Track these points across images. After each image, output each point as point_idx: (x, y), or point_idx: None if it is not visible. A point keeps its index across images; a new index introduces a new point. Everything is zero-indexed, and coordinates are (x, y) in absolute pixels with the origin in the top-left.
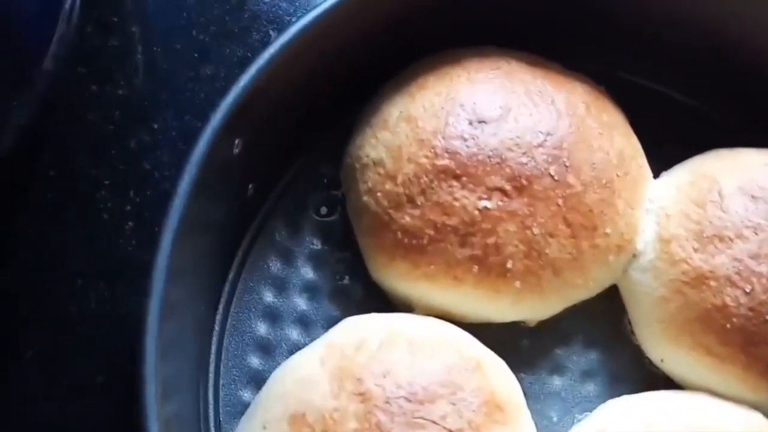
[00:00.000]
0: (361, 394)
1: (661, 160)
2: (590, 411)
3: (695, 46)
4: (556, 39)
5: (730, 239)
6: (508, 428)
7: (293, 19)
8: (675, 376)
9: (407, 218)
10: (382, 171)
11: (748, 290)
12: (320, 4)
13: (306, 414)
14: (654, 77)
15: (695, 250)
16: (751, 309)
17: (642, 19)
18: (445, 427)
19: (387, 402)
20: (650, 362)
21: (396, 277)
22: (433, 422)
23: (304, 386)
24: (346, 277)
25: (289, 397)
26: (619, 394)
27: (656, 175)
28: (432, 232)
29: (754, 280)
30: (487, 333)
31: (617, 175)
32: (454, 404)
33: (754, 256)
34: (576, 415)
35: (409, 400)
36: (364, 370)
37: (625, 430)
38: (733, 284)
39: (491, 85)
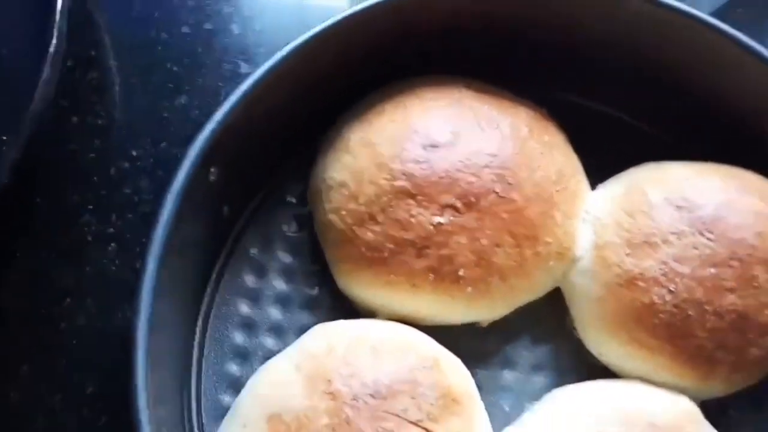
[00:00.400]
0: (330, 394)
1: (597, 174)
2: (538, 401)
3: (627, 68)
4: (502, 66)
5: (657, 245)
6: (463, 418)
7: (262, 50)
8: (612, 366)
9: (369, 234)
10: (345, 192)
11: (672, 289)
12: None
13: (282, 414)
14: (592, 97)
15: (627, 255)
16: (675, 306)
17: (577, 46)
18: (406, 419)
19: (354, 399)
20: (591, 355)
21: (360, 287)
22: (396, 415)
23: (280, 389)
24: (316, 288)
25: (266, 398)
26: (564, 385)
27: (593, 187)
28: (392, 246)
29: (678, 280)
30: (445, 334)
31: (556, 191)
32: (414, 398)
33: (678, 259)
34: (526, 405)
35: (374, 397)
36: (333, 372)
37: (567, 414)
38: (659, 284)
39: (443, 112)
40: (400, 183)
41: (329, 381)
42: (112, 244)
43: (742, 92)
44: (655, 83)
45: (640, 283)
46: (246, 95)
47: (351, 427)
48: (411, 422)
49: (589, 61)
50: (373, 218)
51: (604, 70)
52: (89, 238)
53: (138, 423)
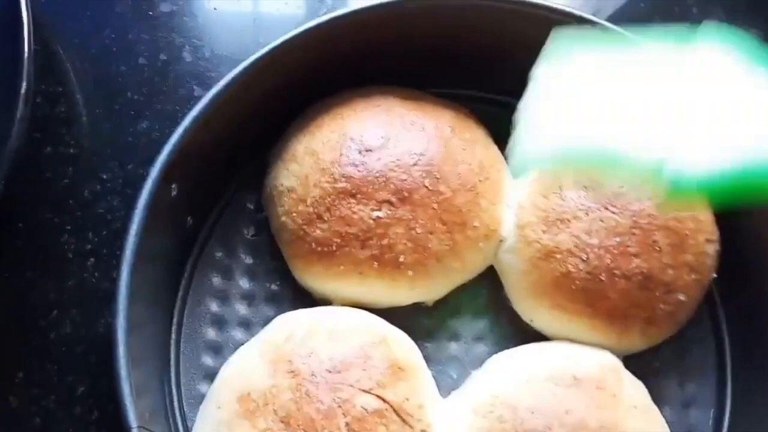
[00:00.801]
0: (291, 372)
1: None
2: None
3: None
4: (427, 74)
5: (569, 221)
6: (410, 384)
7: (213, 74)
8: (543, 331)
9: (318, 231)
10: (294, 196)
11: (584, 258)
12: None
13: (250, 393)
14: (509, 94)
15: (543, 232)
16: (588, 273)
17: (493, 52)
18: (359, 388)
19: (313, 375)
20: (524, 323)
21: (315, 279)
22: (350, 385)
23: (247, 373)
24: (277, 283)
25: (235, 382)
26: (503, 351)
27: (515, 177)
28: (338, 240)
29: (588, 250)
30: (395, 315)
31: (479, 181)
32: (365, 370)
33: (588, 232)
34: (470, 372)
35: (330, 372)
36: (293, 354)
37: (503, 374)
38: (573, 255)
39: (374, 120)
40: (341, 184)
41: (290, 362)
42: (91, 259)
43: None
44: None
45: (557, 256)
46: (196, 119)
47: (311, 398)
48: (363, 390)
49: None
50: (320, 217)
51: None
52: (70, 255)
53: (124, 410)
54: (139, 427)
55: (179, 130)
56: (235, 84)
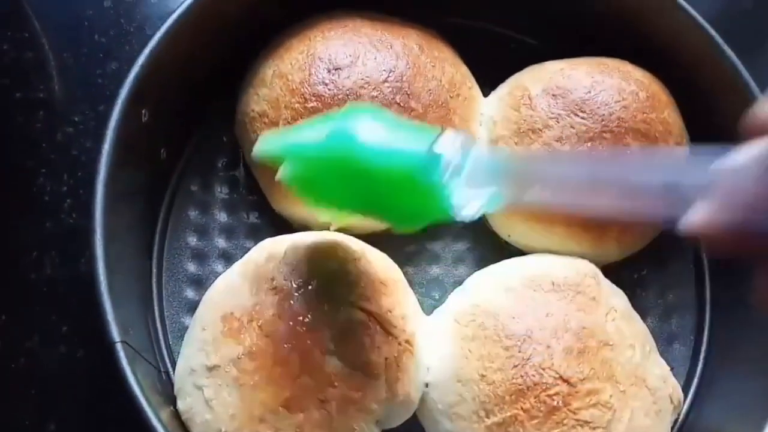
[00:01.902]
0: (274, 289)
1: (490, 83)
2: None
3: None
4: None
5: (540, 130)
6: (392, 297)
7: None
8: (521, 246)
9: None
10: (266, 120)
11: None
12: None
13: (233, 312)
14: (477, 17)
15: (516, 144)
16: None
17: None
18: (341, 302)
19: (295, 290)
20: (503, 242)
21: (292, 205)
22: (333, 299)
23: (229, 294)
24: (255, 215)
25: (218, 304)
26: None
27: (486, 95)
28: None
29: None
30: (376, 242)
31: (450, 97)
32: (347, 285)
33: (558, 139)
34: (452, 291)
35: (312, 287)
36: (275, 272)
37: (482, 286)
38: None
39: (341, 40)
40: (312, 104)
41: (272, 279)
42: (68, 200)
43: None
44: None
45: None
46: (162, 40)
47: (295, 313)
48: (346, 304)
49: None
50: None
51: None
52: (46, 198)
53: (114, 347)
54: (122, 341)
55: (145, 52)
56: (197, 6)
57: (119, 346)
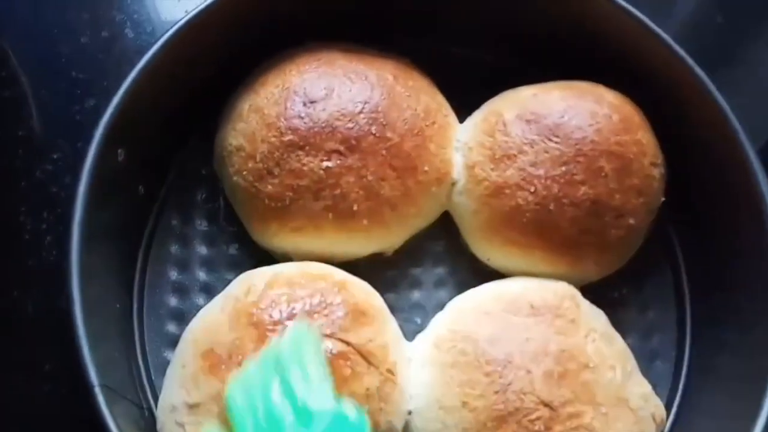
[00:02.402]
0: (253, 324)
1: (466, 109)
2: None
3: (481, 16)
4: (365, 28)
5: (515, 155)
6: (373, 327)
7: None
8: (501, 269)
9: (270, 187)
10: (243, 154)
11: (532, 191)
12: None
13: (214, 348)
14: (451, 42)
15: (492, 170)
16: (537, 204)
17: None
18: (322, 334)
19: (275, 324)
20: (483, 266)
21: (272, 237)
22: None
23: (209, 330)
24: (236, 247)
25: (199, 340)
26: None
27: (462, 121)
28: (291, 194)
29: (536, 182)
30: (356, 268)
31: (426, 125)
32: (326, 316)
33: (533, 164)
34: (434, 315)
35: (291, 320)
36: (254, 307)
37: (461, 311)
38: (521, 188)
39: (315, 73)
40: (288, 137)
41: (251, 314)
42: (48, 238)
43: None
44: (508, 25)
45: (506, 191)
46: (136, 80)
47: None
48: (326, 335)
49: (448, 12)
50: (270, 172)
51: (458, 14)
52: (27, 236)
53: (90, 387)
54: (101, 385)
55: (120, 92)
56: (171, 43)
57: (98, 390)
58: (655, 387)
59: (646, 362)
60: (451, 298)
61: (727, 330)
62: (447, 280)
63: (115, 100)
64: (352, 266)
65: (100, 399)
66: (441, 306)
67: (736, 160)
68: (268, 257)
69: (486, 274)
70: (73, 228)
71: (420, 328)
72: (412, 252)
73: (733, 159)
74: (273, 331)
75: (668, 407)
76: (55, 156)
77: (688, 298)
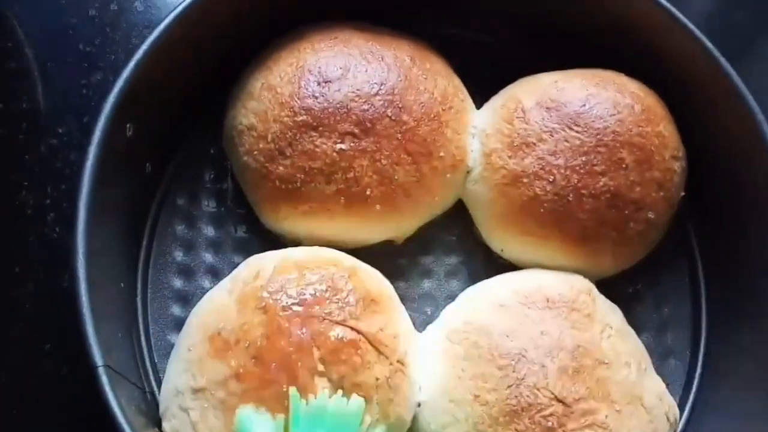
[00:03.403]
0: (262, 308)
1: (482, 95)
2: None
3: (503, 3)
4: (383, 9)
5: (534, 143)
6: (384, 315)
7: None
8: (515, 260)
9: (281, 168)
10: (254, 133)
11: (551, 180)
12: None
13: (221, 332)
14: (469, 28)
15: (509, 157)
16: (555, 194)
17: None
18: (331, 321)
19: (284, 309)
20: (496, 255)
21: (282, 220)
22: (322, 318)
23: (217, 313)
24: (244, 229)
25: (205, 323)
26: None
27: (479, 107)
28: (302, 176)
29: (555, 171)
30: (367, 256)
31: (443, 110)
32: (337, 303)
33: (552, 153)
34: (445, 306)
35: (301, 305)
36: (263, 291)
37: (475, 302)
38: (539, 178)
39: (331, 51)
40: (302, 117)
41: (260, 298)
42: (51, 214)
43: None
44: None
45: (524, 180)
46: (147, 54)
47: (283, 333)
48: (336, 322)
49: None
50: (282, 153)
51: (475, 2)
52: (29, 212)
53: (95, 368)
54: (104, 365)
55: (130, 65)
56: (183, 18)
57: (101, 371)
58: (668, 385)
59: (660, 359)
60: (462, 289)
61: (742, 329)
62: (459, 271)
63: (125, 72)
64: (362, 254)
65: (103, 379)
66: (452, 297)
67: (759, 157)
68: (276, 241)
69: (499, 265)
70: (79, 203)
71: (430, 319)
72: (423, 241)
73: (755, 155)
74: (282, 317)
75: (682, 405)
76: (60, 130)
77: (704, 295)
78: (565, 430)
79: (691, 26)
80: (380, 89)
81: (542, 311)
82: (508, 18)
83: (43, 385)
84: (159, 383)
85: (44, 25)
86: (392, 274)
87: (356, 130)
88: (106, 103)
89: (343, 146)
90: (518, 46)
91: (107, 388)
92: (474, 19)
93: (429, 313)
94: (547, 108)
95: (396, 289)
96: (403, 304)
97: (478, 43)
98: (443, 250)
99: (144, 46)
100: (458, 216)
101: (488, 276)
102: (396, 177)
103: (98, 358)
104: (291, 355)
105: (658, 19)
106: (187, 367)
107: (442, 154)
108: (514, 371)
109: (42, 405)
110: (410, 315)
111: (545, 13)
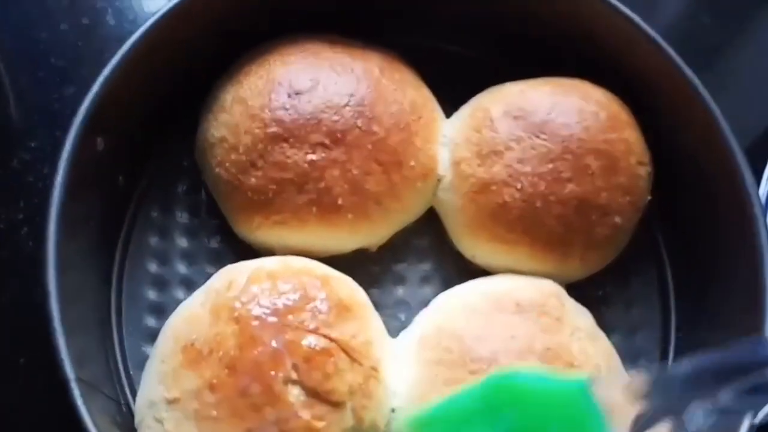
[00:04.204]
0: (234, 318)
1: (452, 104)
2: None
3: (470, 12)
4: (352, 21)
5: (502, 152)
6: (357, 322)
7: None
8: (486, 266)
9: (253, 179)
10: (226, 145)
11: (519, 187)
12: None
13: (194, 342)
14: (438, 38)
15: (478, 165)
16: (523, 201)
17: None
18: (303, 329)
19: (256, 319)
20: (468, 263)
21: (255, 230)
22: (295, 327)
23: (190, 324)
24: (217, 240)
25: (178, 334)
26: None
27: (448, 116)
28: (274, 187)
29: (522, 179)
30: (340, 263)
31: (412, 120)
32: (309, 311)
33: (520, 161)
34: (418, 312)
35: (274, 315)
36: (235, 301)
37: (446, 308)
38: (508, 185)
39: (301, 64)
40: (272, 129)
41: (232, 308)
42: (24, 229)
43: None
44: (493, 22)
45: (492, 187)
46: (117, 67)
47: (256, 342)
48: (309, 331)
49: (435, 8)
50: (253, 165)
51: (446, 11)
52: (2, 226)
53: (66, 381)
54: (77, 379)
55: (99, 79)
56: (153, 31)
57: (74, 385)
58: None
59: (630, 360)
60: (435, 295)
61: (710, 329)
62: (432, 277)
63: (95, 87)
64: (336, 262)
65: (76, 393)
66: (425, 303)
67: (723, 160)
68: (250, 251)
69: (471, 271)
70: (49, 217)
71: (404, 325)
72: (396, 248)
73: (719, 159)
74: (255, 327)
75: None
76: (32, 145)
77: (672, 297)
78: None
79: (651, 32)
80: (350, 100)
81: (513, 315)
82: (477, 28)
83: (17, 400)
84: (134, 395)
85: (16, 39)
86: (366, 281)
87: (327, 141)
88: (76, 117)
89: (314, 157)
90: (488, 56)
91: (80, 402)
92: (444, 29)
93: (403, 319)
94: (514, 117)
95: (370, 296)
96: (378, 311)
97: (448, 53)
98: (416, 257)
99: (113, 60)
100: (431, 223)
101: (461, 282)
102: (367, 186)
103: (70, 372)
104: (264, 364)
105: (623, 28)
106: (161, 378)
107: (412, 163)
108: (486, 375)
109: (16, 420)
110: (384, 321)
111: (514, 23)
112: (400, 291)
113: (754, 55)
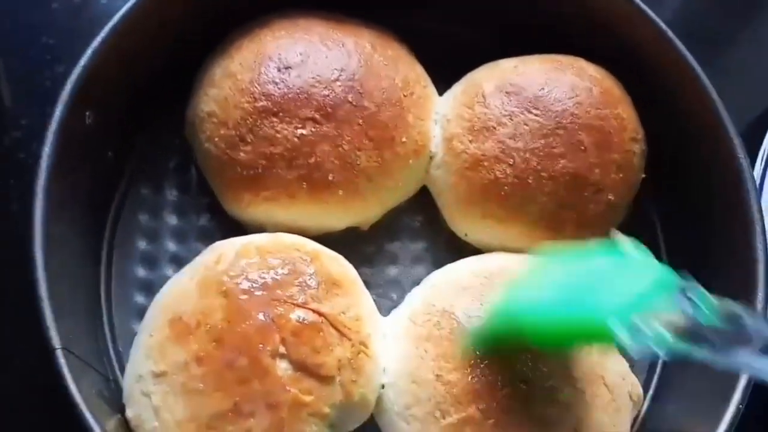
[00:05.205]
0: (223, 292)
1: (445, 82)
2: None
3: None
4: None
5: (494, 128)
6: (346, 298)
7: None
8: (479, 244)
9: (242, 154)
10: (215, 120)
11: (511, 163)
12: None
13: (182, 316)
14: (432, 16)
15: (470, 142)
16: (516, 177)
17: None
18: (292, 303)
19: (244, 293)
20: (461, 242)
21: (245, 207)
22: (283, 301)
23: (177, 298)
24: (207, 217)
25: (166, 308)
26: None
27: (441, 94)
28: (264, 162)
29: (515, 154)
30: (332, 243)
31: (404, 95)
32: (298, 285)
33: (512, 137)
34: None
35: (263, 289)
36: (224, 275)
37: (438, 285)
38: (500, 161)
39: (291, 38)
40: (262, 103)
41: (221, 282)
42: (15, 206)
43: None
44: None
45: (484, 163)
46: (105, 40)
47: (244, 316)
48: (297, 305)
49: None
50: (243, 139)
51: None
52: None
53: (57, 364)
54: (63, 348)
55: (88, 52)
56: (144, 5)
57: (59, 353)
58: (632, 366)
59: None
60: (428, 275)
61: None
62: (424, 256)
63: (84, 59)
64: (327, 241)
65: (62, 362)
66: (418, 282)
67: (720, 142)
68: (239, 229)
69: (464, 250)
70: (36, 191)
71: (396, 304)
72: (389, 227)
73: (716, 140)
74: (243, 300)
75: (646, 386)
76: (23, 122)
77: None
78: (527, 409)
79: (650, 12)
80: (341, 75)
81: None
82: (471, 7)
83: (5, 374)
84: (123, 371)
85: (6, 18)
86: (358, 260)
87: (317, 116)
88: (63, 90)
89: (304, 132)
90: (481, 35)
91: (65, 370)
92: (438, 7)
93: (395, 298)
94: (507, 92)
95: (362, 275)
96: (369, 290)
97: (441, 31)
98: (409, 236)
99: (102, 32)
100: (423, 202)
101: (453, 261)
102: (358, 162)
103: (56, 341)
104: (252, 337)
105: (621, 8)
106: (149, 352)
107: (404, 139)
108: (476, 351)
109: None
110: (376, 301)
111: (514, 7)
112: (392, 270)
113: (752, 40)
